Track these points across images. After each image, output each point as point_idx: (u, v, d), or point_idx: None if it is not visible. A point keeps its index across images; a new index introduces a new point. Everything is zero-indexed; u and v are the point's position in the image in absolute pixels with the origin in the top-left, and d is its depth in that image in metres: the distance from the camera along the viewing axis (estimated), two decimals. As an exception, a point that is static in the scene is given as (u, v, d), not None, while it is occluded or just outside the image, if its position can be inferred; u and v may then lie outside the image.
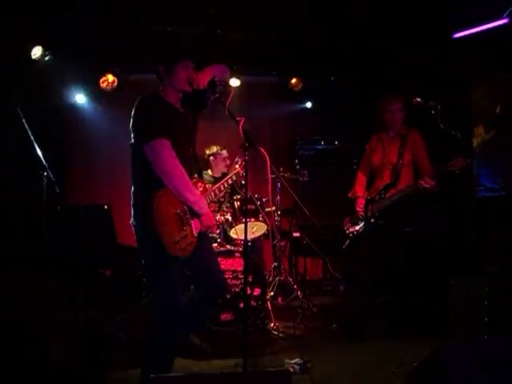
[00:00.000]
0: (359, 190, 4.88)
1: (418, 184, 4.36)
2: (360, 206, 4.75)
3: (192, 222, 3.29)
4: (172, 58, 3.33)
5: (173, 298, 3.25)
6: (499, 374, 2.41)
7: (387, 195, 4.59)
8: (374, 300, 4.82)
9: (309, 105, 7.62)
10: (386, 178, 4.67)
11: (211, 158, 5.94)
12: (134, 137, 3.26)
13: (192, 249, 3.28)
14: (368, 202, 4.73)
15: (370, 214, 4.67)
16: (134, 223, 3.25)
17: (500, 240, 5.25)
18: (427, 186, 4.30)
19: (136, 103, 3.27)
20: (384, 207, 4.58)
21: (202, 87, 3.28)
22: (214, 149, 5.92)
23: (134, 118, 3.26)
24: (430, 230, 5.59)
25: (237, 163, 4.81)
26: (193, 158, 3.47)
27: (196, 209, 3.25)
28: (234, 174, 4.25)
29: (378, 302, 4.89)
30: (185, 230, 3.24)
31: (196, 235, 3.31)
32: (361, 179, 4.96)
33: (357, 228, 4.75)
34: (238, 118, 3.13)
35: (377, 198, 4.66)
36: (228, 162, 5.88)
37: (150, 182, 3.15)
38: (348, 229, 4.82)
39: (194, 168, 3.47)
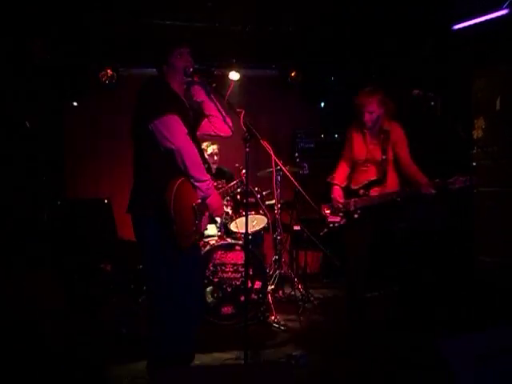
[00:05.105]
0: (338, 178, 4.69)
1: (421, 192, 4.26)
2: (335, 194, 4.60)
3: (202, 217, 3.29)
4: (164, 49, 3.27)
5: (173, 285, 3.20)
6: (499, 361, 2.41)
7: (372, 192, 4.47)
8: (365, 292, 4.63)
9: (322, 104, 7.61)
10: (371, 174, 4.53)
11: None
12: (142, 118, 3.13)
13: (190, 245, 3.24)
14: (350, 193, 4.57)
15: (352, 208, 4.50)
16: (140, 212, 3.18)
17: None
18: (428, 193, 4.23)
19: (144, 84, 3.19)
20: (368, 205, 4.45)
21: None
22: (203, 144, 5.42)
23: (142, 97, 3.18)
24: (427, 226, 5.54)
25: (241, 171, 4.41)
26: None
27: (203, 188, 3.17)
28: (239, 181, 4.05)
29: (377, 295, 4.81)
30: (196, 225, 3.22)
31: (202, 232, 3.34)
32: (343, 168, 4.74)
33: (337, 219, 4.56)
34: (238, 110, 3.12)
35: (361, 191, 4.52)
36: (216, 158, 5.70)
37: (168, 169, 3.09)
38: (327, 217, 4.60)
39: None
